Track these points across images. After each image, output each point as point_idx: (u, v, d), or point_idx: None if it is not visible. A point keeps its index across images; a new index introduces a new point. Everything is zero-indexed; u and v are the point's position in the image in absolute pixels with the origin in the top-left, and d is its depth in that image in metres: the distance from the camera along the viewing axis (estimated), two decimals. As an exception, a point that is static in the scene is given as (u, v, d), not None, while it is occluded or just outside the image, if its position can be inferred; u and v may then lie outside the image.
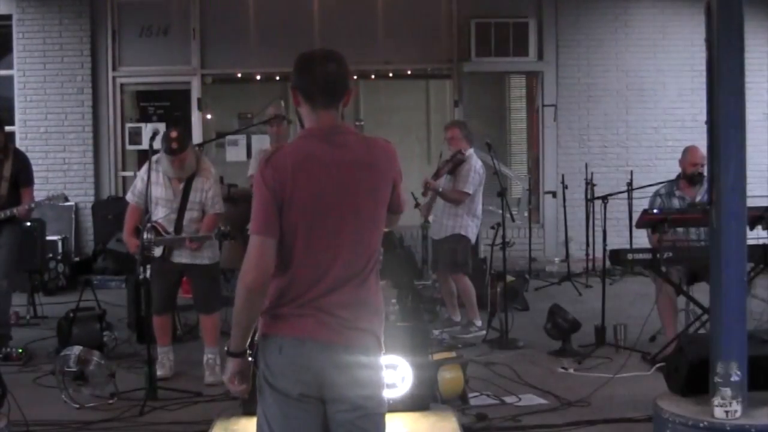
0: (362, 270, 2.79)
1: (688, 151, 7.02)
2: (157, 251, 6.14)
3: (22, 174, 7.07)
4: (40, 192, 7.73)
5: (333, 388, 2.74)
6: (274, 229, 2.76)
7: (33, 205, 7.02)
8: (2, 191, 6.93)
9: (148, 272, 6.00)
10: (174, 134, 6.06)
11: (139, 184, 6.23)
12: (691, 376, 4.53)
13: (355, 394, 2.75)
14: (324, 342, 2.73)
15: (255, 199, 2.81)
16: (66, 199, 7.36)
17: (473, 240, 7.71)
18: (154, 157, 6.14)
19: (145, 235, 5.96)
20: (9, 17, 11.32)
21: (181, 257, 6.21)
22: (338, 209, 2.77)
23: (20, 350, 6.84)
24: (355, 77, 12.02)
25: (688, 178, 6.99)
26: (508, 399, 5.65)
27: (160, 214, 6.20)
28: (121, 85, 11.66)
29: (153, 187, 6.10)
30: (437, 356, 5.47)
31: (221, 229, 6.00)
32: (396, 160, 2.89)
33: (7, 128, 11.44)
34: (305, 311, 2.75)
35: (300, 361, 2.73)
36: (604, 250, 7.38)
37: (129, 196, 6.36)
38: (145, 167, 6.16)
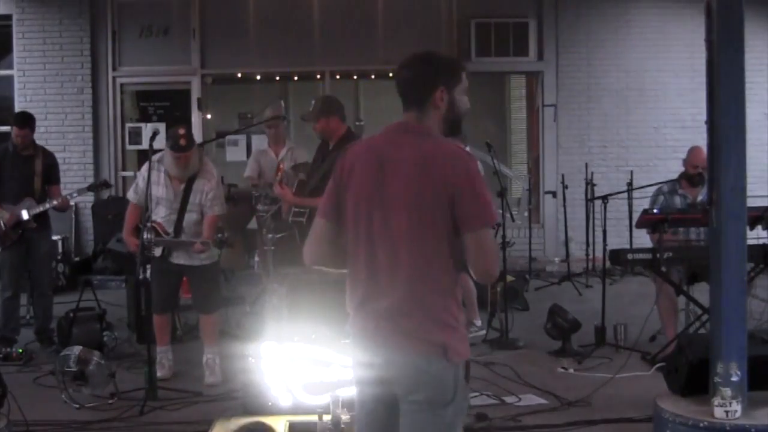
0: (409, 276, 2.76)
1: (691, 152, 7.03)
2: (157, 251, 6.14)
3: (53, 172, 7.21)
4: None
5: (399, 387, 2.79)
6: (329, 212, 2.90)
7: (76, 195, 7.12)
8: (36, 186, 7.09)
9: (149, 272, 6.00)
10: (182, 131, 6.09)
11: (140, 182, 6.22)
12: (691, 376, 4.53)
13: (415, 398, 2.76)
14: (384, 346, 2.78)
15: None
16: (108, 185, 7.53)
17: None
18: (156, 156, 6.14)
19: (145, 235, 5.95)
20: (9, 17, 11.32)
21: (179, 258, 6.21)
22: (378, 208, 2.79)
23: (20, 350, 6.85)
24: (355, 77, 12.06)
25: (689, 178, 7.00)
26: (508, 399, 5.65)
27: (160, 214, 6.20)
28: (121, 85, 11.66)
29: (154, 187, 6.09)
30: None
31: (220, 236, 6.00)
32: (462, 165, 2.77)
33: (7, 128, 11.60)
34: (366, 314, 2.82)
35: (368, 361, 2.82)
36: (604, 250, 7.39)
37: (131, 195, 6.36)
38: (146, 166, 6.16)
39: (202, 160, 6.33)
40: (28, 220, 6.98)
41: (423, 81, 2.89)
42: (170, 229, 6.19)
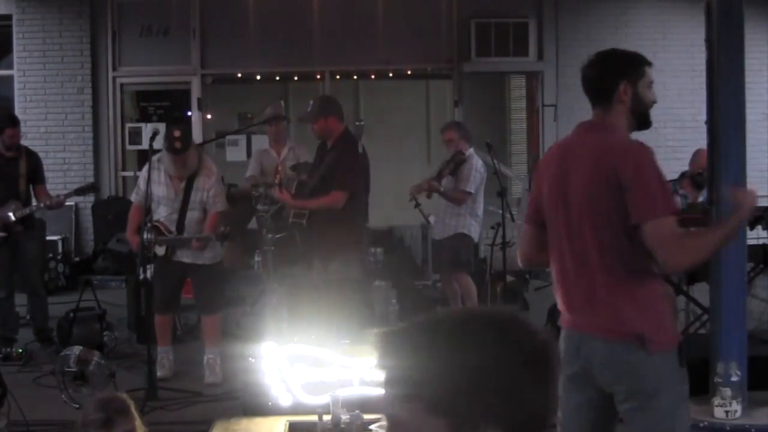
0: (592, 268, 3.00)
1: (698, 155, 7.02)
2: (160, 250, 6.14)
3: (38, 172, 7.18)
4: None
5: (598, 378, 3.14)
6: (530, 217, 3.23)
7: (62, 197, 7.12)
8: (21, 187, 7.06)
9: (150, 272, 6.00)
10: (177, 133, 6.05)
11: (142, 184, 6.23)
12: (691, 376, 4.52)
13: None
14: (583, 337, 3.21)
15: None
16: (96, 189, 7.49)
17: (476, 239, 7.70)
18: (156, 156, 6.14)
19: (145, 235, 5.95)
20: (9, 17, 11.31)
21: (183, 256, 6.20)
22: (564, 207, 3.00)
23: (20, 350, 6.85)
24: (355, 77, 12.05)
25: (694, 180, 7.00)
26: (508, 399, 5.64)
27: (162, 213, 6.20)
28: (121, 85, 11.65)
29: (154, 186, 6.09)
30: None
31: (222, 229, 6.00)
32: (631, 157, 2.91)
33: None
34: (569, 309, 3.40)
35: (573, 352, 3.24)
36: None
37: (134, 197, 6.37)
38: (146, 167, 6.16)
39: (201, 157, 6.32)
40: (14, 223, 6.93)
41: (606, 77, 2.97)
42: (173, 228, 6.19)
